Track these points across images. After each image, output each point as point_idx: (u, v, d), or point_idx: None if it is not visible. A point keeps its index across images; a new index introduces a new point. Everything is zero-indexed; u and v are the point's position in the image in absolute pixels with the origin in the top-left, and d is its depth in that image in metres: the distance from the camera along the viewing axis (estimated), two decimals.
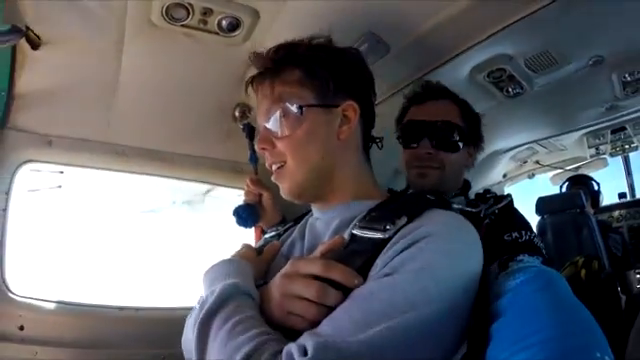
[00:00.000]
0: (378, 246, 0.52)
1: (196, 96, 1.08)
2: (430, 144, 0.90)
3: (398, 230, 0.52)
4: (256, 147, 0.67)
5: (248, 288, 0.55)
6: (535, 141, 1.77)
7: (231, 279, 0.55)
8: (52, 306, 1.02)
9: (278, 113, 0.62)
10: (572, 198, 1.92)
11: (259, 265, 0.64)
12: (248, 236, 1.09)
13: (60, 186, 1.09)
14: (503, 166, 2.03)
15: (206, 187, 1.45)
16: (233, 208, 0.98)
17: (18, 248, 1.02)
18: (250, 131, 1.02)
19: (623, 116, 1.53)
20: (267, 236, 0.82)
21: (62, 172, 1.08)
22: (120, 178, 1.19)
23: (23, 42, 0.87)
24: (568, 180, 2.36)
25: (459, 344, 0.50)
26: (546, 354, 0.42)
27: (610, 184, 2.66)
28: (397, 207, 0.57)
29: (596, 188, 2.34)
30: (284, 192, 0.66)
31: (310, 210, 0.73)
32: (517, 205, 0.93)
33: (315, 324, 0.47)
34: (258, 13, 0.87)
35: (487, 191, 0.95)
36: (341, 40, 0.69)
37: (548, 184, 2.55)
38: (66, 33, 0.89)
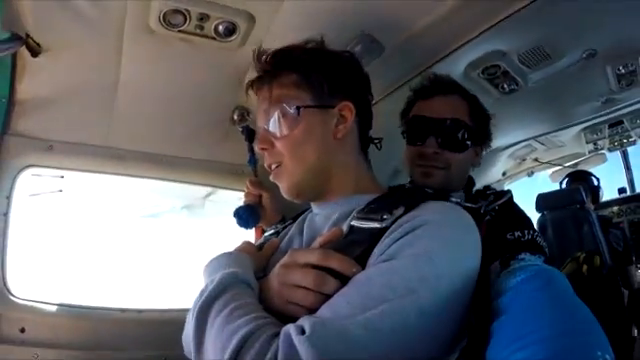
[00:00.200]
0: (375, 236, 0.53)
1: (195, 100, 1.09)
2: (436, 143, 0.87)
3: (395, 220, 0.53)
4: (256, 148, 0.70)
5: (247, 277, 0.56)
6: (533, 137, 1.76)
7: (230, 269, 0.56)
8: (53, 309, 1.03)
9: (276, 114, 0.65)
10: (572, 194, 1.92)
11: (258, 259, 0.65)
12: (248, 238, 1.10)
13: (61, 190, 1.11)
14: (502, 164, 2.03)
15: (206, 191, 1.46)
16: (233, 210, 0.98)
17: (20, 252, 1.03)
18: (249, 133, 1.03)
19: (619, 109, 1.53)
20: (267, 234, 0.83)
21: (63, 177, 1.09)
22: (120, 182, 1.20)
23: (23, 49, 0.88)
24: (568, 176, 2.36)
25: (458, 337, 0.51)
26: (547, 352, 0.43)
27: (609, 179, 2.66)
28: (395, 199, 0.58)
29: (596, 183, 2.34)
30: (283, 191, 0.68)
31: (308, 207, 0.74)
32: (517, 203, 0.93)
33: (314, 312, 0.48)
34: (254, 17, 0.88)
35: (487, 187, 0.94)
36: (336, 41, 0.71)
37: (548, 181, 2.55)
38: (65, 40, 0.90)
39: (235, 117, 1.13)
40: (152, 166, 1.14)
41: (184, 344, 0.59)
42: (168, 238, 1.59)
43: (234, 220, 0.98)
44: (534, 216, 1.98)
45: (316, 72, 0.66)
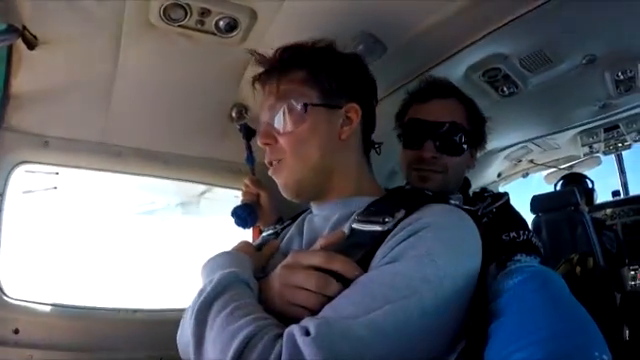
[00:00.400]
0: (377, 239, 0.53)
1: (193, 96, 1.08)
2: (434, 147, 0.86)
3: (397, 223, 0.53)
4: (258, 142, 0.68)
5: (246, 277, 0.56)
6: (529, 140, 1.78)
7: (229, 269, 0.56)
8: (47, 309, 1.01)
9: (283, 109, 0.64)
10: (566, 196, 1.94)
11: (257, 259, 0.65)
12: (245, 237, 1.09)
13: (55, 187, 1.09)
14: (498, 165, 2.05)
15: (201, 189, 1.45)
16: (231, 209, 0.97)
17: (13, 250, 1.01)
18: (247, 131, 1.02)
19: (616, 114, 1.55)
20: (265, 234, 0.82)
21: (57, 173, 1.07)
22: (115, 179, 1.18)
23: (19, 42, 0.86)
24: (562, 178, 2.39)
25: (458, 337, 0.51)
26: (544, 353, 0.43)
27: (604, 182, 2.69)
28: (395, 201, 0.58)
29: (590, 186, 2.37)
30: (282, 188, 0.67)
31: (307, 208, 0.73)
32: (512, 204, 0.93)
33: (316, 314, 0.48)
34: (256, 14, 0.87)
35: (484, 190, 0.95)
36: (338, 40, 0.70)
37: (542, 183, 2.57)
38: (63, 33, 0.88)
39: (233, 114, 1.11)
40: (149, 163, 1.13)
41: (179, 345, 0.58)
42: (163, 236, 1.58)
43: (231, 219, 0.98)
44: (528, 218, 2.00)
45: (325, 71, 0.66)
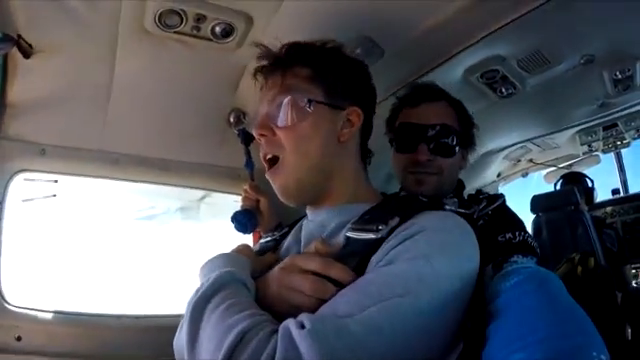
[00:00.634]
0: (371, 246, 0.53)
1: (190, 102, 1.08)
2: (428, 150, 0.87)
3: (391, 231, 0.53)
4: (254, 133, 0.66)
5: (243, 277, 0.55)
6: (528, 140, 1.79)
7: (227, 268, 0.56)
8: (49, 316, 1.01)
9: (286, 101, 0.63)
10: (566, 195, 1.94)
11: (256, 263, 0.64)
12: (243, 241, 1.09)
13: (55, 195, 1.08)
14: (497, 165, 2.05)
15: (201, 194, 1.44)
16: (231, 214, 0.97)
17: (13, 258, 1.01)
18: (245, 137, 1.02)
19: (614, 113, 1.56)
20: (262, 241, 0.82)
21: (56, 181, 1.07)
22: (114, 185, 1.18)
23: (15, 51, 0.85)
24: (562, 178, 2.39)
25: (455, 340, 0.51)
26: (543, 354, 0.43)
27: (603, 180, 2.69)
28: (390, 209, 0.58)
29: (590, 185, 2.37)
30: (279, 190, 0.66)
31: (304, 215, 0.73)
32: (512, 204, 0.94)
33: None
34: (252, 19, 0.87)
35: (479, 192, 0.95)
36: None
37: (542, 182, 2.57)
38: (59, 41, 0.88)
39: (232, 120, 1.11)
40: (147, 170, 1.12)
41: (175, 350, 0.58)
42: (163, 241, 1.58)
43: (231, 224, 0.98)
44: (529, 217, 2.00)
45: (331, 71, 0.66)
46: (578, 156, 2.22)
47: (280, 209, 0.92)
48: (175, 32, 0.88)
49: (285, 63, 0.66)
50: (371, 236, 0.54)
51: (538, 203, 1.97)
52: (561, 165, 2.35)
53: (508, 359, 0.45)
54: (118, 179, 1.13)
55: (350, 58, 0.70)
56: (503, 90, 1.22)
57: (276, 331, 0.44)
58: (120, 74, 0.96)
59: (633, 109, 1.54)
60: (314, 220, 0.68)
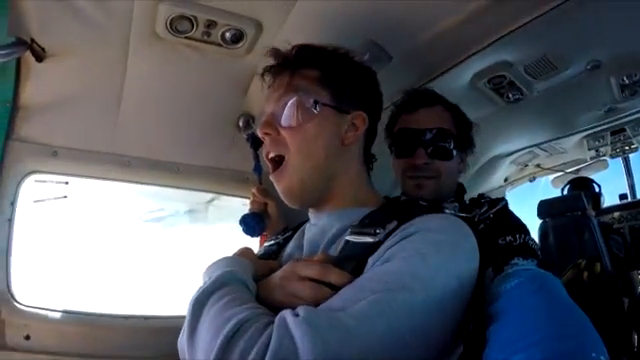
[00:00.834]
0: (368, 249, 0.54)
1: (200, 107, 1.09)
2: (426, 153, 0.89)
3: (389, 234, 0.54)
4: (258, 131, 0.67)
5: (245, 278, 0.56)
6: (535, 145, 1.78)
7: (229, 268, 0.57)
8: (58, 315, 1.02)
9: (292, 101, 0.63)
10: (573, 200, 1.93)
11: (257, 266, 0.65)
12: (250, 244, 1.09)
13: (65, 196, 1.10)
14: (504, 170, 2.04)
15: (209, 197, 1.46)
16: (240, 217, 0.98)
17: (24, 258, 1.03)
18: (254, 141, 1.03)
19: (622, 118, 1.54)
20: (266, 244, 0.83)
21: (67, 182, 1.08)
22: (123, 188, 1.19)
23: (28, 54, 0.87)
24: (569, 183, 2.37)
25: (455, 342, 0.51)
26: (543, 355, 0.43)
27: (611, 185, 2.67)
28: (389, 213, 0.59)
29: (597, 190, 2.35)
30: (283, 193, 0.66)
31: (308, 219, 0.73)
32: (519, 209, 0.93)
33: None
34: (261, 25, 0.88)
35: (481, 196, 0.95)
36: None
37: (549, 187, 2.56)
38: (71, 45, 0.90)
39: (241, 124, 1.12)
40: (157, 172, 1.13)
41: (179, 350, 0.59)
42: (171, 243, 1.59)
43: (239, 227, 0.98)
44: (536, 222, 1.99)
45: (339, 75, 0.66)
46: (585, 161, 2.20)
47: (288, 212, 0.93)
48: (186, 37, 0.89)
49: (294, 64, 0.67)
50: (369, 239, 0.55)
51: (545, 208, 1.96)
52: (568, 170, 2.33)
53: None
54: (129, 181, 1.14)
55: (358, 64, 0.71)
56: (510, 95, 1.22)
57: (273, 322, 0.45)
58: (131, 78, 0.97)
59: None
60: (316, 224, 0.69)
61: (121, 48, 0.92)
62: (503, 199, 0.91)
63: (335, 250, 0.60)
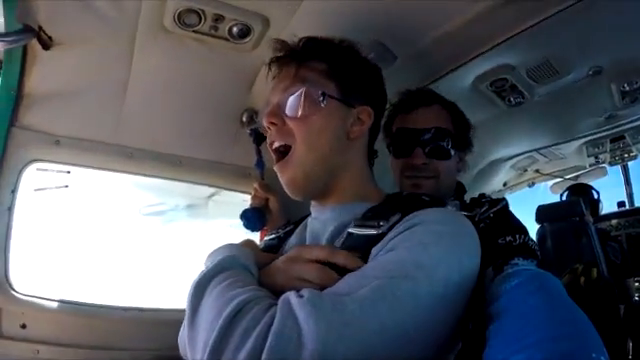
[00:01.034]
0: (372, 241, 0.54)
1: (205, 101, 1.09)
2: (423, 153, 0.89)
3: (392, 226, 0.54)
4: (264, 121, 0.66)
5: (247, 263, 0.56)
6: (535, 150, 1.79)
7: (231, 253, 0.57)
8: (55, 305, 1.02)
9: (299, 92, 0.63)
10: (571, 206, 1.94)
11: (259, 256, 0.64)
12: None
13: (67, 186, 1.10)
14: (503, 175, 2.05)
15: (209, 191, 1.46)
16: (240, 212, 0.99)
17: (23, 246, 1.02)
18: (257, 136, 1.03)
19: (622, 125, 1.56)
20: (267, 238, 0.83)
21: (69, 172, 1.08)
22: (125, 180, 1.19)
23: (34, 42, 0.87)
24: (568, 189, 2.39)
25: (453, 339, 0.51)
26: (543, 355, 0.43)
27: (609, 193, 2.68)
28: (392, 206, 0.59)
29: (596, 197, 2.36)
30: (287, 183, 0.66)
31: (310, 213, 0.73)
32: (517, 214, 0.93)
33: None
34: (268, 21, 0.89)
35: (482, 195, 0.95)
36: None
37: (548, 193, 2.57)
38: (78, 35, 0.90)
39: (244, 119, 1.13)
40: (159, 165, 1.13)
41: (179, 344, 0.59)
42: (171, 236, 1.59)
43: (238, 222, 0.99)
44: (534, 227, 1.99)
45: (346, 69, 0.66)
46: (585, 168, 2.21)
47: (289, 208, 0.93)
48: (193, 31, 0.90)
49: (301, 56, 0.67)
50: (372, 232, 0.55)
51: (543, 213, 1.97)
52: (567, 176, 2.35)
53: None
54: (131, 173, 1.14)
55: (365, 59, 0.72)
56: (512, 99, 1.23)
57: (275, 304, 0.45)
58: (137, 70, 0.98)
59: None
60: (318, 218, 0.69)
61: (128, 40, 0.92)
62: (503, 199, 0.91)
63: (338, 243, 0.60)
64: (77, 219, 1.32)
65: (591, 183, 2.41)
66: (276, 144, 0.66)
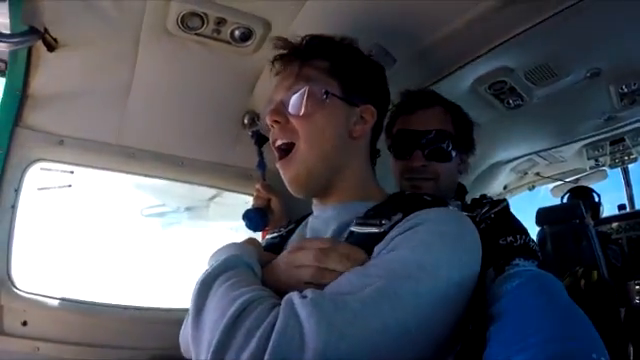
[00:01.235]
0: (374, 239, 0.55)
1: (207, 103, 1.10)
2: (423, 156, 0.89)
3: (394, 225, 0.55)
4: (267, 119, 0.67)
5: (251, 261, 0.57)
6: (535, 152, 1.79)
7: (235, 252, 0.58)
8: (56, 303, 1.02)
9: (303, 90, 0.64)
10: (572, 209, 1.94)
11: (262, 255, 0.65)
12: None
13: (70, 185, 1.11)
14: (504, 178, 2.05)
15: (210, 194, 1.47)
16: (242, 213, 0.99)
17: (25, 245, 1.03)
18: (258, 138, 1.04)
19: (621, 127, 1.56)
20: (269, 237, 0.83)
21: (72, 172, 1.09)
22: (128, 181, 1.21)
23: (39, 44, 0.89)
24: (569, 192, 2.39)
25: (454, 339, 0.51)
26: (544, 356, 0.43)
27: (610, 196, 2.68)
28: (394, 205, 0.60)
29: (597, 200, 2.36)
30: (290, 181, 0.66)
31: (311, 212, 0.74)
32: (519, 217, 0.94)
33: None
34: (270, 24, 0.90)
35: (483, 196, 0.95)
36: None
37: (549, 196, 2.57)
38: (83, 37, 0.92)
39: (245, 121, 1.14)
40: (162, 166, 1.14)
41: (181, 343, 0.60)
42: (170, 239, 1.60)
43: (241, 225, 1.00)
44: (534, 230, 1.99)
45: (349, 68, 0.67)
46: (585, 171, 2.21)
47: (290, 208, 0.94)
48: (196, 34, 0.91)
49: (304, 54, 0.67)
50: (374, 230, 0.56)
51: (543, 216, 1.97)
52: (568, 179, 2.35)
53: None
54: (133, 173, 1.15)
55: (367, 57, 0.72)
56: (510, 101, 1.24)
57: (279, 304, 0.46)
58: (140, 72, 0.99)
59: None
60: (320, 216, 0.69)
61: (132, 42, 0.94)
62: (504, 200, 0.91)
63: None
64: (79, 218, 1.33)
65: (592, 186, 2.41)
66: (279, 142, 0.67)
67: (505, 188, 2.18)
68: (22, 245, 1.02)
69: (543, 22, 0.86)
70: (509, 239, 0.81)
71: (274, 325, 0.42)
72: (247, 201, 1.20)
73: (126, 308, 1.08)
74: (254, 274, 0.55)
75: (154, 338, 1.07)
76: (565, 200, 2.38)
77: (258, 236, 1.08)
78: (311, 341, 0.40)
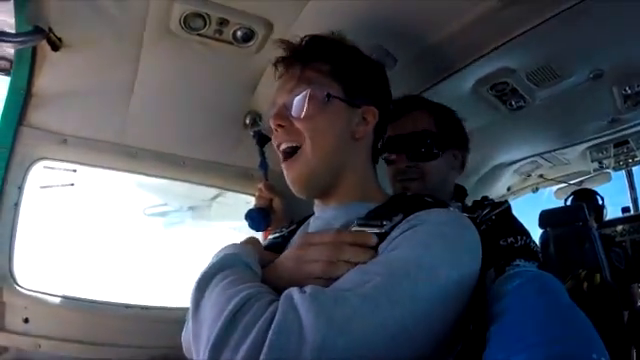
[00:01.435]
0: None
1: (209, 103, 1.11)
2: (406, 157, 0.92)
3: (394, 226, 0.55)
4: (271, 123, 0.67)
5: (249, 261, 0.57)
6: (538, 154, 1.78)
7: (234, 251, 0.58)
8: (57, 300, 1.03)
9: (305, 93, 0.64)
10: (575, 211, 1.92)
11: (263, 255, 0.65)
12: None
13: (72, 184, 1.12)
14: (507, 179, 2.04)
15: (212, 194, 1.47)
16: (244, 213, 0.99)
17: (28, 242, 1.04)
18: (260, 138, 1.04)
19: (625, 129, 1.55)
20: (271, 237, 0.83)
21: (75, 171, 1.10)
22: (130, 180, 1.21)
23: (44, 43, 0.90)
24: (573, 194, 2.37)
25: (454, 339, 0.51)
26: (544, 356, 0.43)
27: (614, 199, 2.66)
28: (395, 207, 0.60)
29: (600, 202, 2.35)
30: (293, 181, 0.67)
31: (313, 213, 0.74)
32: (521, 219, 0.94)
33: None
34: (272, 25, 0.90)
35: (485, 198, 0.96)
36: None
37: (552, 198, 2.55)
38: (86, 36, 0.93)
39: (247, 121, 1.14)
40: (164, 165, 1.15)
41: (183, 343, 0.60)
42: (174, 237, 1.61)
43: (244, 224, 0.99)
44: (537, 233, 1.98)
45: (350, 69, 0.67)
46: (589, 173, 2.20)
47: (292, 208, 0.94)
48: (198, 34, 0.92)
49: (305, 57, 0.68)
50: (375, 231, 0.56)
51: (546, 218, 1.96)
52: (571, 182, 2.33)
53: None
54: (135, 172, 1.16)
55: (368, 58, 0.72)
56: (513, 103, 1.23)
57: (277, 300, 0.46)
58: (143, 72, 1.00)
59: None
60: (321, 217, 0.69)
61: (135, 42, 0.94)
62: (506, 202, 0.92)
63: None
64: (82, 217, 1.34)
65: (595, 188, 2.40)
66: (284, 146, 0.67)
67: (509, 190, 2.17)
68: (25, 243, 1.03)
69: (545, 23, 0.86)
70: (510, 240, 0.81)
71: (272, 320, 0.42)
72: (248, 201, 1.20)
73: (128, 307, 1.09)
74: (252, 272, 0.56)
75: (155, 337, 1.07)
76: (569, 202, 2.36)
77: (260, 236, 1.08)
78: (310, 335, 0.40)
